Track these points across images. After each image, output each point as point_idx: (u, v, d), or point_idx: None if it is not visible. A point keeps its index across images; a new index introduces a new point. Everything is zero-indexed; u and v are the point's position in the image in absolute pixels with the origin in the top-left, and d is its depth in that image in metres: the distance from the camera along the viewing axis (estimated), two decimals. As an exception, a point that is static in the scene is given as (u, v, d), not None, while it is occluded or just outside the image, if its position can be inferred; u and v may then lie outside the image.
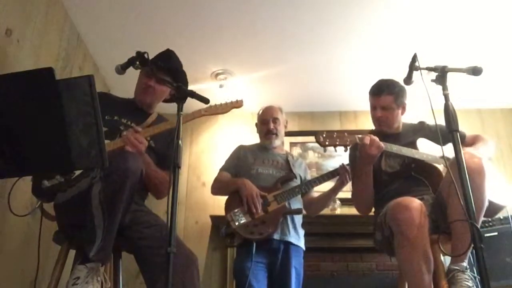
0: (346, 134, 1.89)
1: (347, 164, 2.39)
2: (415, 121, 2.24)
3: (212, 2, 2.71)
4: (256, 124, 2.68)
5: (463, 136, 2.10)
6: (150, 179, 1.83)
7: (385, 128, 2.12)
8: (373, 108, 2.13)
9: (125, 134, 1.75)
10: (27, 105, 1.18)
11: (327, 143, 1.86)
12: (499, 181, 1.97)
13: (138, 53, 1.66)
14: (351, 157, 2.23)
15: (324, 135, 1.87)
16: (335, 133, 1.88)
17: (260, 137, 2.61)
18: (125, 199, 1.53)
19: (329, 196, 2.48)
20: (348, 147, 1.92)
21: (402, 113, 2.14)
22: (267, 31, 2.98)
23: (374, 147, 1.86)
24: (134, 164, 1.54)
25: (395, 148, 1.93)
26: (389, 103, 2.07)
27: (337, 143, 1.86)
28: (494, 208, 1.80)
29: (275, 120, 2.55)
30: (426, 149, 1.98)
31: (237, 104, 1.95)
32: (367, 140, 1.86)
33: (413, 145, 1.98)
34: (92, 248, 1.47)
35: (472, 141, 2.06)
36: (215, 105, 1.91)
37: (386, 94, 2.07)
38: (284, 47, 3.14)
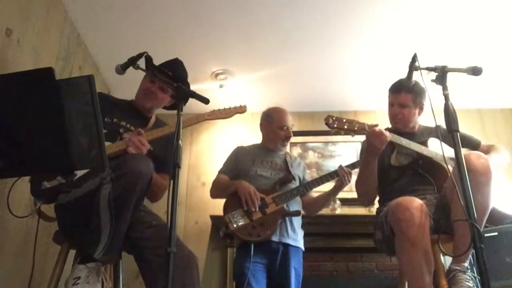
0: (355, 121, 1.90)
1: (347, 166, 2.40)
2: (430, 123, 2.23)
3: (212, 2, 2.71)
4: (263, 124, 2.62)
5: (477, 144, 2.10)
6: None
7: (400, 126, 2.12)
8: (391, 105, 2.14)
9: (128, 136, 1.75)
10: (27, 105, 1.18)
11: (335, 126, 1.88)
12: (506, 189, 1.96)
13: (140, 54, 1.66)
14: (362, 148, 2.23)
15: (334, 118, 1.88)
16: (345, 119, 1.90)
17: (272, 140, 2.56)
18: (134, 201, 1.53)
19: (328, 196, 2.48)
20: (355, 134, 1.92)
21: (419, 114, 2.13)
22: (267, 31, 2.98)
23: (380, 138, 1.87)
24: (146, 167, 1.55)
25: (404, 142, 1.93)
26: (406, 101, 2.07)
27: (345, 127, 1.88)
28: (500, 216, 1.80)
29: (292, 126, 2.57)
30: (437, 149, 1.97)
31: (241, 110, 1.96)
32: (376, 129, 1.87)
33: (424, 144, 1.99)
34: (97, 249, 1.47)
35: (486, 150, 2.05)
36: (219, 109, 1.91)
37: (405, 92, 2.07)
38: (284, 47, 3.14)
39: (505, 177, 2.03)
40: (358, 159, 2.47)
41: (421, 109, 2.12)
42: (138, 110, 2.03)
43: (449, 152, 1.87)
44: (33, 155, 1.21)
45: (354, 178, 2.25)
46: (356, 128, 1.89)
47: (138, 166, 1.52)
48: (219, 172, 2.54)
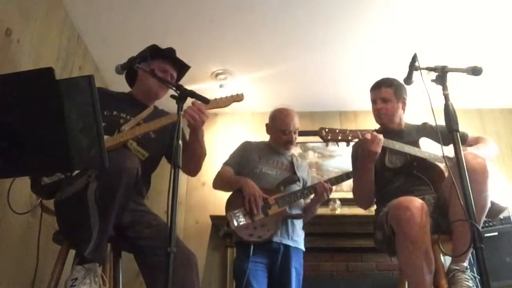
0: (348, 130, 1.92)
1: (326, 181, 2.38)
2: (416, 121, 2.24)
3: (213, 2, 2.71)
4: (268, 125, 2.58)
5: (465, 137, 2.10)
6: (197, 153, 1.87)
7: (385, 121, 2.13)
8: (374, 102, 2.16)
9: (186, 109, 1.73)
10: (27, 105, 1.18)
11: (329, 137, 1.89)
12: (501, 181, 1.97)
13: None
14: (354, 154, 2.23)
15: (326, 130, 1.89)
16: (338, 129, 1.91)
17: (275, 142, 2.54)
18: (120, 198, 1.52)
19: (309, 210, 2.45)
20: (351, 143, 1.93)
21: (403, 108, 2.15)
22: (267, 31, 2.98)
23: (375, 143, 1.87)
24: (130, 163, 1.53)
25: (397, 146, 1.94)
26: (388, 95, 2.11)
27: (339, 138, 1.89)
28: (496, 209, 1.80)
29: (296, 130, 2.50)
30: (429, 149, 1.98)
31: (238, 98, 1.93)
32: (368, 135, 1.88)
33: (415, 144, 1.99)
34: (88, 247, 1.47)
35: (474, 142, 2.07)
36: (215, 99, 1.89)
37: (385, 86, 2.12)
38: (284, 47, 3.14)
39: (498, 170, 2.04)
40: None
41: (403, 103, 2.15)
42: (138, 100, 2.02)
43: (439, 150, 1.88)
44: (33, 155, 1.21)
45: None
46: (350, 138, 1.90)
47: (121, 162, 1.51)
48: (224, 164, 2.50)
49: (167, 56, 2.01)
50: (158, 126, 1.81)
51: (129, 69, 1.99)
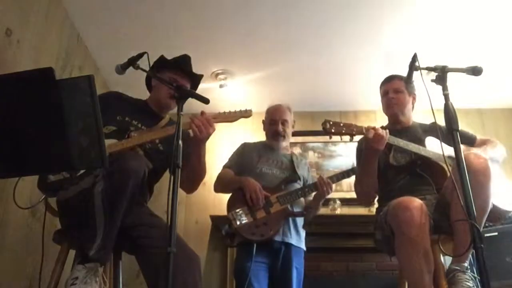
0: (353, 124, 1.92)
1: (329, 177, 2.36)
2: (423, 121, 2.24)
3: (213, 2, 2.71)
4: (263, 122, 2.61)
5: (472, 139, 2.11)
6: (196, 170, 1.82)
7: (397, 110, 2.14)
8: (385, 93, 2.17)
9: (194, 118, 1.70)
10: (27, 105, 1.18)
11: (333, 130, 1.89)
12: (504, 185, 1.96)
13: (140, 54, 1.67)
14: (358, 149, 2.23)
15: (331, 123, 1.89)
16: (342, 123, 1.91)
17: (267, 137, 2.57)
18: (126, 199, 1.52)
19: (312, 207, 2.44)
20: (354, 137, 1.93)
21: (413, 103, 2.18)
22: (267, 31, 2.98)
23: (378, 142, 1.87)
24: (137, 164, 1.54)
25: (402, 143, 1.94)
26: (400, 86, 2.13)
27: (343, 131, 1.89)
28: (498, 213, 1.80)
29: (284, 122, 2.50)
30: (435, 149, 1.98)
31: (246, 114, 1.91)
32: (372, 133, 1.87)
33: (421, 143, 1.99)
34: (92, 247, 1.47)
35: (482, 144, 2.06)
36: (224, 112, 1.88)
37: (397, 79, 2.15)
38: (284, 47, 3.14)
39: (503, 174, 2.03)
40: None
41: (414, 98, 2.18)
42: (152, 110, 2.02)
43: (447, 151, 1.88)
44: (33, 155, 1.21)
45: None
46: (354, 132, 1.90)
47: (129, 164, 1.51)
48: (224, 166, 2.51)
49: (177, 67, 2.00)
50: (164, 134, 1.80)
51: (147, 77, 2.02)
